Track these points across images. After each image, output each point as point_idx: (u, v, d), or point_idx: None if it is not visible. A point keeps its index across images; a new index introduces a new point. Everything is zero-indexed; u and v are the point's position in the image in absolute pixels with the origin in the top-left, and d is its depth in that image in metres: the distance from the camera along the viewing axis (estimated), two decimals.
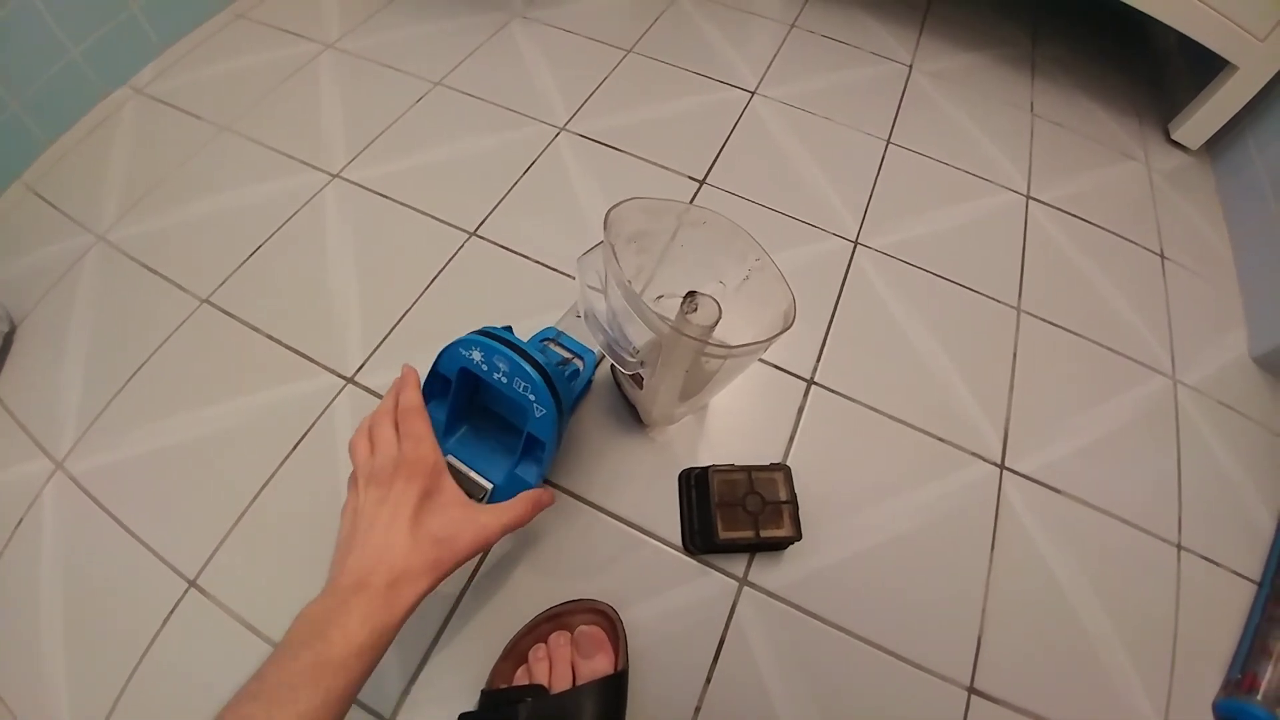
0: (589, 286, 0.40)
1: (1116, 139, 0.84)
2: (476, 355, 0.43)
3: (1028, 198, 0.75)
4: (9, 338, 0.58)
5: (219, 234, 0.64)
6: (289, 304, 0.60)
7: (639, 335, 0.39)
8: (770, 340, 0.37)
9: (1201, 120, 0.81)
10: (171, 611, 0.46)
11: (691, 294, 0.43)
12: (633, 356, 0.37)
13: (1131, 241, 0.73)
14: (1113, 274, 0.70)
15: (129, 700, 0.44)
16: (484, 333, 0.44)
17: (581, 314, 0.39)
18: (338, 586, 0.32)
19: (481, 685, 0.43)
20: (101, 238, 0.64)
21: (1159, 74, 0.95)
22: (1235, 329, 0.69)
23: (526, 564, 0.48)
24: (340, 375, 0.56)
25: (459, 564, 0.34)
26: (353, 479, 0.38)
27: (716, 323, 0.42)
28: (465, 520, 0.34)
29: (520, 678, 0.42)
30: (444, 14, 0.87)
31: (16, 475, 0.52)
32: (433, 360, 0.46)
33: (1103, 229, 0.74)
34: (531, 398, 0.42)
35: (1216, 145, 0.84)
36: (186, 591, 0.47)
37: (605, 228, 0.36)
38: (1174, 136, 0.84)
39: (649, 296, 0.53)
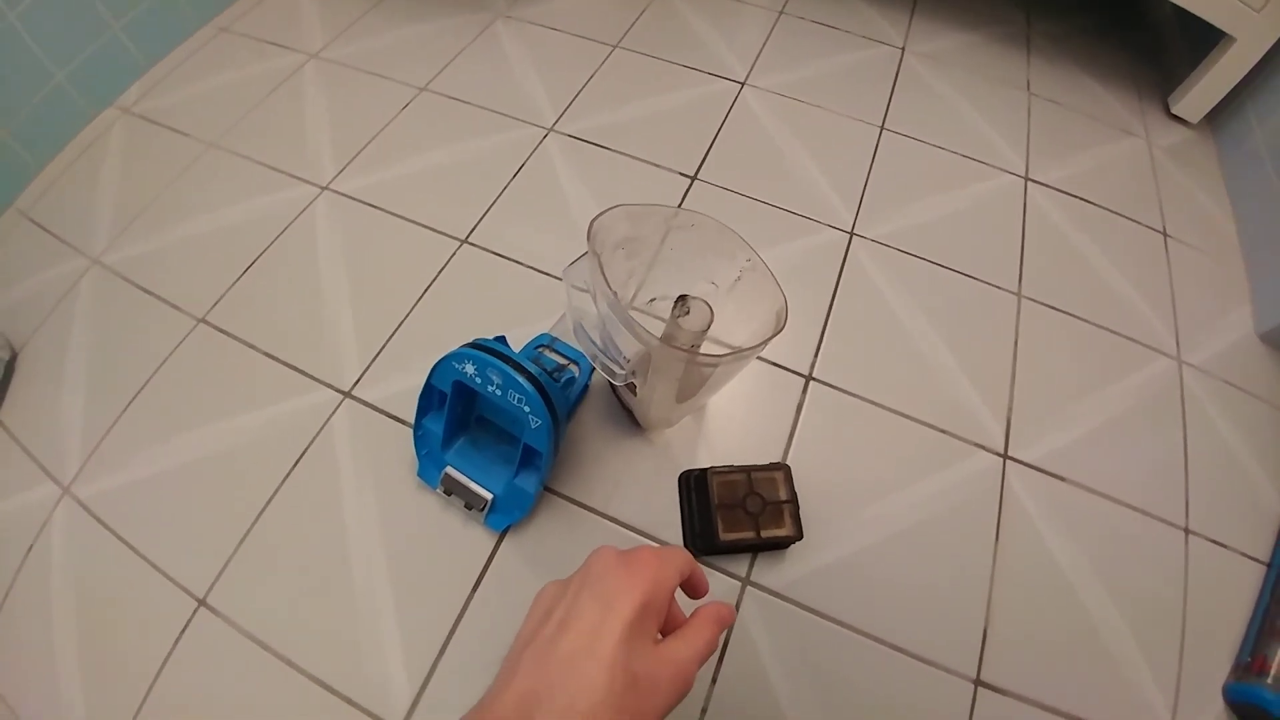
0: (576, 288, 0.40)
1: (1116, 115, 0.83)
2: (469, 369, 0.43)
3: (1026, 179, 0.74)
4: (10, 365, 0.58)
5: (212, 252, 0.64)
6: (284, 320, 0.60)
7: (629, 344, 0.38)
8: (761, 345, 0.37)
9: (1201, 93, 0.79)
10: (183, 631, 0.47)
11: (683, 298, 0.43)
12: (623, 368, 0.37)
13: (1134, 220, 0.72)
14: (1115, 255, 0.69)
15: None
16: (476, 345, 0.44)
17: (570, 326, 0.39)
18: (494, 715, 0.23)
19: None
20: (96, 261, 0.64)
21: (1157, 47, 0.93)
22: (1240, 306, 0.68)
23: (529, 572, 0.49)
24: (338, 390, 0.56)
25: None
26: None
27: (709, 326, 0.42)
28: (661, 658, 0.25)
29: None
30: (427, 17, 0.86)
31: (25, 501, 0.53)
32: (427, 374, 0.46)
33: (1104, 209, 0.73)
34: (526, 409, 0.42)
35: (1218, 118, 0.82)
36: (197, 610, 0.48)
37: (589, 238, 0.35)
38: (1174, 110, 0.82)
39: (642, 299, 0.53)
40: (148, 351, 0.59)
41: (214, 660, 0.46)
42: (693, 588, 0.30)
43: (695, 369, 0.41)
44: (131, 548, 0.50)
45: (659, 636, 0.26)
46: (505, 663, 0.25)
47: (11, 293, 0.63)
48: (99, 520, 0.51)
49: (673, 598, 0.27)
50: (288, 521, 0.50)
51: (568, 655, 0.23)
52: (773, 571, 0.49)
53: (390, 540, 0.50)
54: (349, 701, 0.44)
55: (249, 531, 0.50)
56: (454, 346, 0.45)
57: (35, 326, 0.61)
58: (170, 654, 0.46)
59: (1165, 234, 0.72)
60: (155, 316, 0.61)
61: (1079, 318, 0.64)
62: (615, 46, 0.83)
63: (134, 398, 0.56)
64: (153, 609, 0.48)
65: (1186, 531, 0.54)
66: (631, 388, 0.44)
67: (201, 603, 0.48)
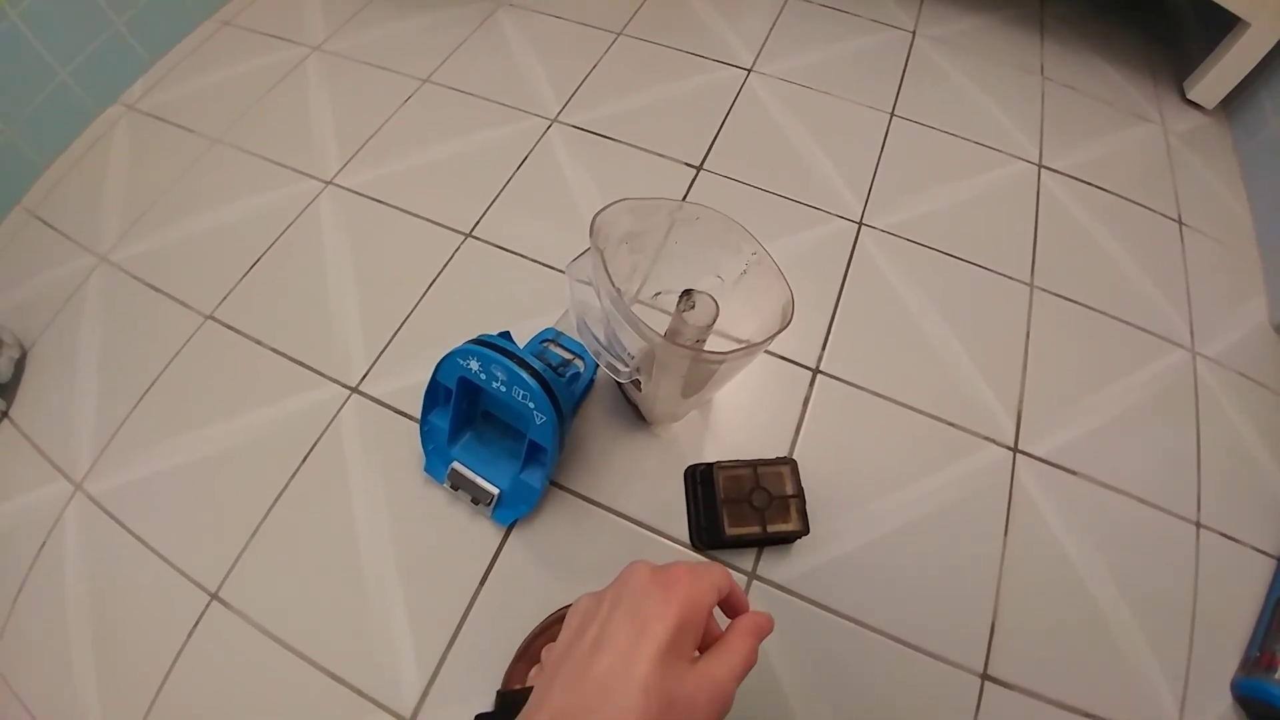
0: (580, 281, 0.40)
1: (1131, 100, 0.81)
2: (474, 365, 0.43)
3: (1040, 166, 0.73)
4: (21, 363, 0.59)
5: (218, 248, 0.65)
6: (291, 315, 0.60)
7: (633, 341, 0.38)
8: (768, 340, 0.36)
9: (1216, 78, 0.77)
10: (196, 624, 0.48)
11: (688, 292, 0.42)
12: (627, 365, 0.37)
13: (1149, 208, 0.71)
14: (1129, 244, 0.68)
15: (159, 713, 0.45)
16: (480, 341, 0.44)
17: (574, 323, 0.39)
18: None
19: (497, 686, 0.44)
20: (104, 258, 0.65)
21: (1172, 31, 0.91)
22: (1255, 296, 0.66)
23: (537, 566, 0.49)
24: (345, 385, 0.56)
25: None
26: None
27: (714, 320, 0.42)
28: (698, 678, 0.24)
29: (534, 678, 0.43)
30: (429, 7, 0.85)
31: (37, 498, 0.53)
32: (432, 369, 0.46)
33: (1119, 196, 0.71)
34: (531, 405, 0.42)
35: (1233, 103, 0.80)
36: (209, 605, 0.48)
37: (592, 234, 0.35)
38: (1189, 95, 0.80)
39: (646, 294, 0.53)
40: (156, 348, 0.59)
41: (226, 653, 0.47)
42: (731, 607, 0.29)
43: (701, 364, 0.40)
44: (144, 543, 0.51)
45: (696, 654, 0.25)
46: (539, 679, 0.25)
47: (20, 291, 0.64)
48: (111, 516, 0.52)
49: (710, 615, 0.26)
50: (298, 516, 0.51)
51: (602, 677, 0.23)
52: (779, 566, 0.49)
53: (399, 534, 0.50)
54: (359, 693, 0.45)
55: (260, 526, 0.50)
56: (459, 341, 0.45)
57: (44, 325, 0.61)
58: (183, 647, 0.47)
59: (1180, 222, 0.70)
60: (163, 313, 0.61)
61: (1092, 308, 0.63)
62: (619, 34, 0.82)
63: (144, 394, 0.57)
64: (165, 603, 0.48)
65: (1197, 525, 0.53)
66: (637, 383, 0.44)
67: (214, 597, 0.48)
